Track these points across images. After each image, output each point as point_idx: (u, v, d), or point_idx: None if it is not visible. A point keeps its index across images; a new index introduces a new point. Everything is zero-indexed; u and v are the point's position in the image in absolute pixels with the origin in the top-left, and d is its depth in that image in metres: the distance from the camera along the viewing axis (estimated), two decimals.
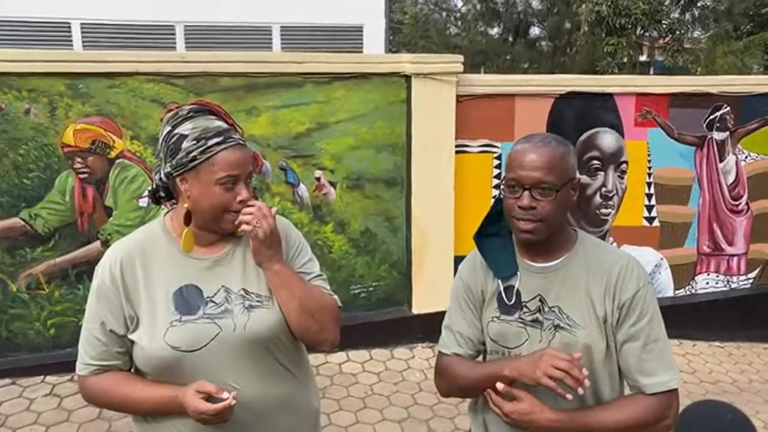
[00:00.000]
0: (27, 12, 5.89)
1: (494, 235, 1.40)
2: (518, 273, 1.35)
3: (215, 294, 1.29)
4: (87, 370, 1.29)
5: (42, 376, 3.22)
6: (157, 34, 6.30)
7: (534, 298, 1.33)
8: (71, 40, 6.12)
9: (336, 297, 1.42)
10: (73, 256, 3.22)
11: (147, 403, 1.27)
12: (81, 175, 3.19)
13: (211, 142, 1.22)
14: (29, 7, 5.87)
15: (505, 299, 1.35)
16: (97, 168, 3.21)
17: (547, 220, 1.26)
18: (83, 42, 6.14)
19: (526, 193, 1.25)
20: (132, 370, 1.33)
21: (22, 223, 3.13)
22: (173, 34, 6.37)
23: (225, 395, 1.18)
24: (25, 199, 3.12)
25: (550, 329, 1.30)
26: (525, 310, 1.33)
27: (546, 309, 1.32)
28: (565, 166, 1.26)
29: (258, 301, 1.30)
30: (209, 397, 1.18)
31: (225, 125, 1.27)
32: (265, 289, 1.32)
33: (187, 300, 1.27)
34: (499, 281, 1.36)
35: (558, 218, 1.28)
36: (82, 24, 6.14)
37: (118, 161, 3.23)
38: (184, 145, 1.23)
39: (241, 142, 1.27)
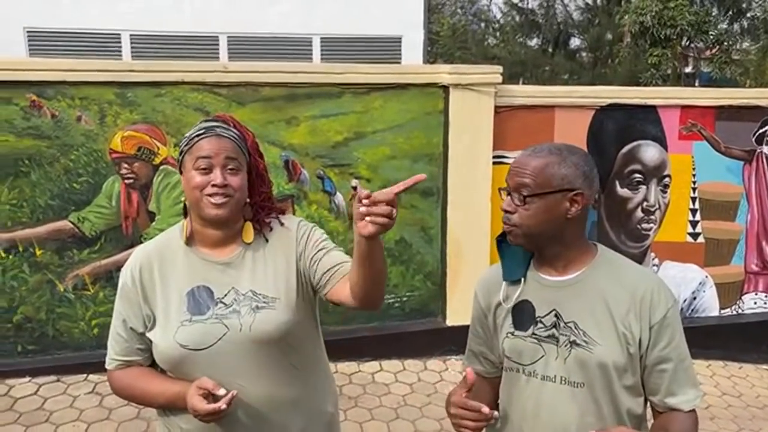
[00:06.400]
0: (80, 24, 6.17)
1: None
2: (523, 281, 1.32)
3: (225, 295, 1.34)
4: (112, 364, 1.39)
5: (85, 374, 3.32)
6: (202, 44, 6.49)
7: (549, 313, 1.29)
8: (121, 51, 6.37)
9: None
10: (117, 258, 3.32)
11: (161, 397, 1.34)
12: (127, 181, 3.30)
13: (193, 135, 1.33)
14: (82, 20, 6.15)
15: (517, 313, 1.31)
16: (142, 174, 3.31)
17: (520, 227, 1.25)
18: (132, 52, 6.37)
19: (508, 197, 1.27)
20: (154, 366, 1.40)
21: (71, 225, 3.25)
22: (217, 44, 6.54)
23: (221, 392, 1.21)
24: (74, 203, 3.24)
25: (566, 345, 1.27)
26: (540, 325, 1.29)
27: (561, 324, 1.28)
28: (547, 174, 1.23)
29: (264, 302, 1.34)
30: (211, 393, 1.23)
31: (217, 123, 1.34)
32: (273, 290, 1.35)
33: (198, 301, 1.33)
34: (504, 294, 1.33)
35: (536, 227, 1.24)
36: (131, 35, 6.37)
37: (161, 167, 3.33)
38: (180, 145, 1.37)
39: (223, 134, 1.32)
